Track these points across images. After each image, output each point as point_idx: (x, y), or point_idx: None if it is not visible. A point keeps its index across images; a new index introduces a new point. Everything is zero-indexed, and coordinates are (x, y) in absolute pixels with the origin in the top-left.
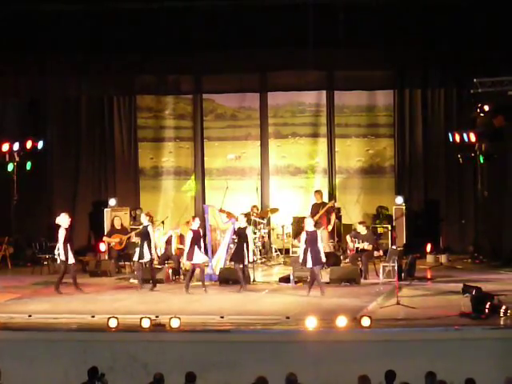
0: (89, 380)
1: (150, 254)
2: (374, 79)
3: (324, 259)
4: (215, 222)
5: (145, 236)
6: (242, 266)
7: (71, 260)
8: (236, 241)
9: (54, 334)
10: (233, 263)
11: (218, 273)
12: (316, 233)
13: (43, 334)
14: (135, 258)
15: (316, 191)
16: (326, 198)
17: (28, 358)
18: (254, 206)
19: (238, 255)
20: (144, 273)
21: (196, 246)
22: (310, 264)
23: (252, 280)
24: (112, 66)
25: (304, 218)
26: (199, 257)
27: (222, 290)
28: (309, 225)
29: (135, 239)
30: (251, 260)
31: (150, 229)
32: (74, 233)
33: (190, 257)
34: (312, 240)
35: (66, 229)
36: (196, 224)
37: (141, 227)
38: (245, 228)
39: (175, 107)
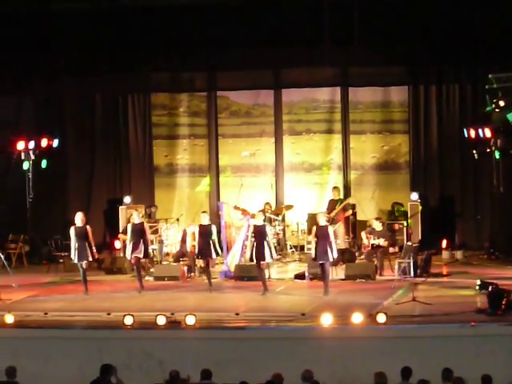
0: (101, 376)
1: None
2: (388, 75)
3: (332, 256)
4: (230, 219)
5: (140, 233)
6: (263, 265)
7: (78, 259)
8: (254, 239)
9: (70, 332)
10: (254, 263)
11: (233, 269)
12: (327, 228)
13: (59, 331)
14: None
15: (334, 187)
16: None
17: (44, 356)
18: (267, 203)
19: (258, 254)
20: (161, 270)
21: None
22: (318, 259)
23: (267, 277)
24: (126, 64)
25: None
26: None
27: (238, 287)
28: (321, 220)
29: (150, 237)
30: (274, 258)
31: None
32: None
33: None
34: (322, 235)
35: (77, 227)
36: (204, 219)
37: (129, 225)
38: (263, 226)
39: (189, 104)
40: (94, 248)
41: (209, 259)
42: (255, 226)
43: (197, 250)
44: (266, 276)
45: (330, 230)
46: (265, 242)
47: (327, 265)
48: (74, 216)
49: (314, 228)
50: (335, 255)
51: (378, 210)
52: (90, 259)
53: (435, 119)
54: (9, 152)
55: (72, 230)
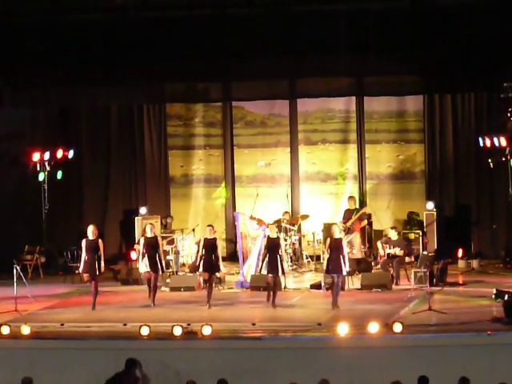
0: (126, 370)
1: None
2: (403, 85)
3: (346, 269)
4: (246, 229)
5: (154, 247)
6: (274, 277)
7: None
8: (267, 252)
9: (86, 343)
10: (269, 275)
11: (249, 280)
12: (341, 240)
13: (75, 342)
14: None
15: (350, 197)
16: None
17: (60, 367)
18: (286, 213)
19: (271, 267)
20: (177, 281)
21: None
22: (330, 272)
23: (283, 287)
24: (142, 75)
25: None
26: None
27: (254, 297)
28: (335, 232)
29: (166, 247)
30: (285, 271)
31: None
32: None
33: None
34: (336, 247)
35: (88, 240)
36: (208, 233)
37: (142, 238)
38: (276, 238)
39: (205, 115)
40: (102, 262)
41: (211, 274)
42: (268, 239)
43: (201, 264)
44: (282, 286)
45: (344, 242)
46: (278, 256)
47: (340, 278)
48: (89, 226)
49: (328, 240)
50: (347, 269)
51: (393, 219)
52: (97, 273)
53: (450, 128)
54: (24, 163)
55: (83, 243)
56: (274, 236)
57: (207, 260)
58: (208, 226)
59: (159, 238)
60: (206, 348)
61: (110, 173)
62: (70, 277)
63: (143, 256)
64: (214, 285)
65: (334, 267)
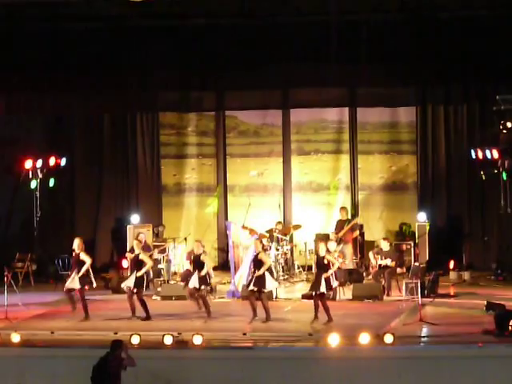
0: (111, 351)
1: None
2: (396, 96)
3: (322, 289)
4: (238, 238)
5: (138, 264)
6: (258, 293)
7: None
8: (253, 267)
9: (77, 351)
10: (255, 289)
11: (240, 289)
12: (323, 258)
13: (66, 350)
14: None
15: (341, 208)
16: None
17: (50, 375)
18: (279, 223)
19: (258, 282)
20: (168, 289)
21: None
22: (310, 289)
23: (275, 297)
24: (135, 83)
25: (327, 234)
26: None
27: (245, 307)
28: (320, 249)
29: (157, 256)
30: (275, 286)
31: (142, 257)
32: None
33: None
34: (319, 265)
35: (74, 253)
36: (196, 249)
37: (133, 255)
38: (258, 254)
39: (198, 124)
40: (79, 275)
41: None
42: (255, 255)
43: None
44: (274, 296)
45: (328, 259)
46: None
47: (317, 296)
48: (81, 235)
49: (315, 257)
50: (322, 289)
51: (385, 230)
52: (77, 287)
53: (443, 140)
54: (17, 171)
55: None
56: (258, 251)
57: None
58: (196, 241)
59: (143, 256)
60: (197, 357)
61: (102, 181)
62: (61, 285)
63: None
64: (205, 295)
65: (313, 284)
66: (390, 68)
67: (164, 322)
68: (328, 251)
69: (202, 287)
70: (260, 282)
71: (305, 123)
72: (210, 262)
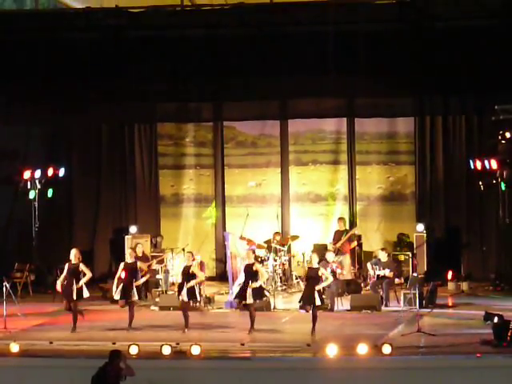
0: (109, 361)
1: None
2: (394, 106)
3: (317, 302)
4: (236, 249)
5: (134, 273)
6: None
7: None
8: (245, 278)
9: (75, 361)
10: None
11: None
12: (317, 271)
13: (64, 360)
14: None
15: (339, 218)
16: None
17: None
18: (277, 233)
19: (242, 293)
20: (166, 300)
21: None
22: (303, 303)
23: (272, 307)
24: (133, 94)
25: (325, 245)
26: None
27: (243, 317)
28: (314, 260)
29: (156, 266)
30: (264, 299)
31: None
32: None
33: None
34: (311, 277)
35: (71, 263)
36: (187, 260)
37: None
38: (252, 264)
39: (196, 135)
40: (84, 287)
41: (189, 300)
42: (246, 266)
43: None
44: (272, 306)
45: (321, 272)
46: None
47: (314, 309)
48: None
49: (306, 269)
50: (318, 302)
51: (383, 240)
52: (74, 298)
53: (441, 150)
54: (16, 181)
55: (66, 266)
56: (251, 262)
57: (182, 286)
58: (187, 252)
59: (138, 264)
60: (195, 368)
61: (100, 191)
62: (60, 295)
63: (119, 282)
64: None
65: (305, 300)
66: (388, 78)
67: (162, 332)
68: (325, 262)
69: (191, 300)
70: (258, 293)
71: (303, 134)
72: (200, 274)
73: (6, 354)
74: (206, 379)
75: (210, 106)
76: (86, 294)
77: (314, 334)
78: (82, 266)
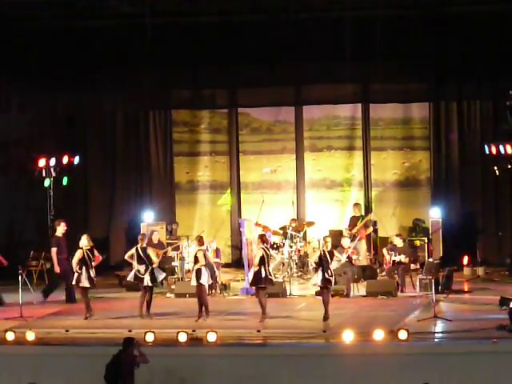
0: (123, 349)
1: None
2: (409, 92)
3: (319, 282)
4: (251, 235)
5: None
6: (262, 291)
7: (80, 283)
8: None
9: (91, 349)
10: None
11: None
12: (332, 253)
13: (80, 348)
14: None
15: (355, 204)
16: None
17: (65, 373)
18: (293, 220)
19: (258, 279)
20: (182, 287)
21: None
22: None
23: (288, 293)
24: (148, 81)
25: (341, 231)
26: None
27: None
28: (329, 244)
29: (171, 253)
30: (272, 283)
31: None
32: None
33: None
34: (326, 260)
35: (82, 250)
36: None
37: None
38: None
39: (211, 121)
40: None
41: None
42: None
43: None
44: (288, 293)
45: (336, 253)
46: (262, 268)
47: (329, 292)
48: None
49: (321, 253)
50: (319, 282)
51: (399, 226)
52: (87, 285)
53: (456, 135)
54: (31, 169)
55: (80, 253)
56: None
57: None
58: (196, 237)
59: (149, 250)
60: (211, 354)
61: (115, 179)
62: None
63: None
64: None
65: (324, 282)
66: (403, 64)
67: (178, 320)
68: (341, 247)
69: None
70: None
71: (317, 120)
72: (202, 258)
73: (22, 342)
74: (222, 366)
75: (225, 93)
76: (85, 283)
77: (327, 318)
78: (95, 251)
